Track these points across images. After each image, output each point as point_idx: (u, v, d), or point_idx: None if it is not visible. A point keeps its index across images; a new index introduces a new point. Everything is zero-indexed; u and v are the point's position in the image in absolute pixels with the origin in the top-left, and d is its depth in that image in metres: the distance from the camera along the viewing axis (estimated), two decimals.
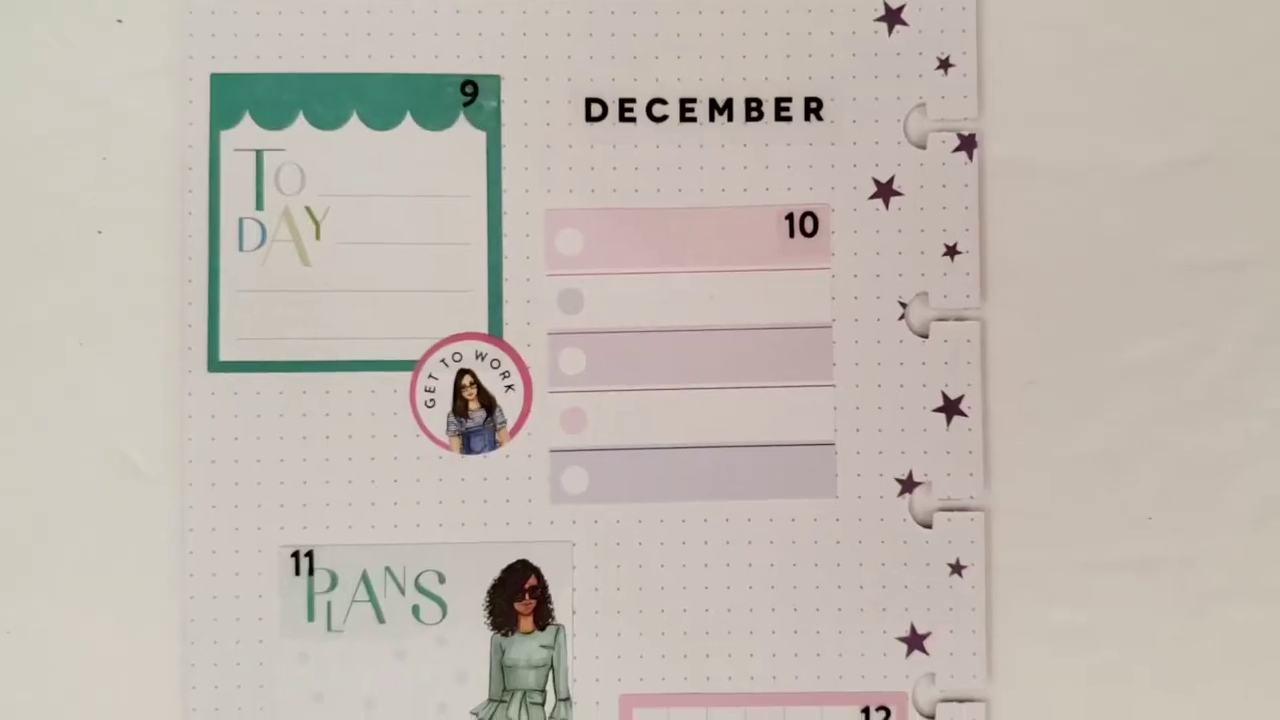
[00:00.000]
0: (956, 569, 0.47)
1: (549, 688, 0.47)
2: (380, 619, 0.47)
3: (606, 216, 0.48)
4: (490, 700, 0.47)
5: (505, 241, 0.48)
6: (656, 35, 0.48)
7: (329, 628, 0.47)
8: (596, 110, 0.48)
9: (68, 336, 0.48)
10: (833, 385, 0.48)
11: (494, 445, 0.48)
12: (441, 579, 0.47)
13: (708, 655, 0.47)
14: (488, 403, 0.48)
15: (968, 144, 0.47)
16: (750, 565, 0.48)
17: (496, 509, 0.48)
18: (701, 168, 0.48)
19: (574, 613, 0.48)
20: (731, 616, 0.47)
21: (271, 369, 0.47)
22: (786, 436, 0.48)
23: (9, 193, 0.48)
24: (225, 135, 0.47)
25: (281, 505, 0.47)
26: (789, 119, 0.48)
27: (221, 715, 0.47)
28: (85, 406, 0.47)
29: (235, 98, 0.47)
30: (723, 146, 0.48)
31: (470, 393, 0.48)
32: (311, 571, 0.47)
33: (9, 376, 0.47)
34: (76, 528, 0.47)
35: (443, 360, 0.48)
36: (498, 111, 0.48)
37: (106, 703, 0.47)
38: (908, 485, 0.48)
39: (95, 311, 0.48)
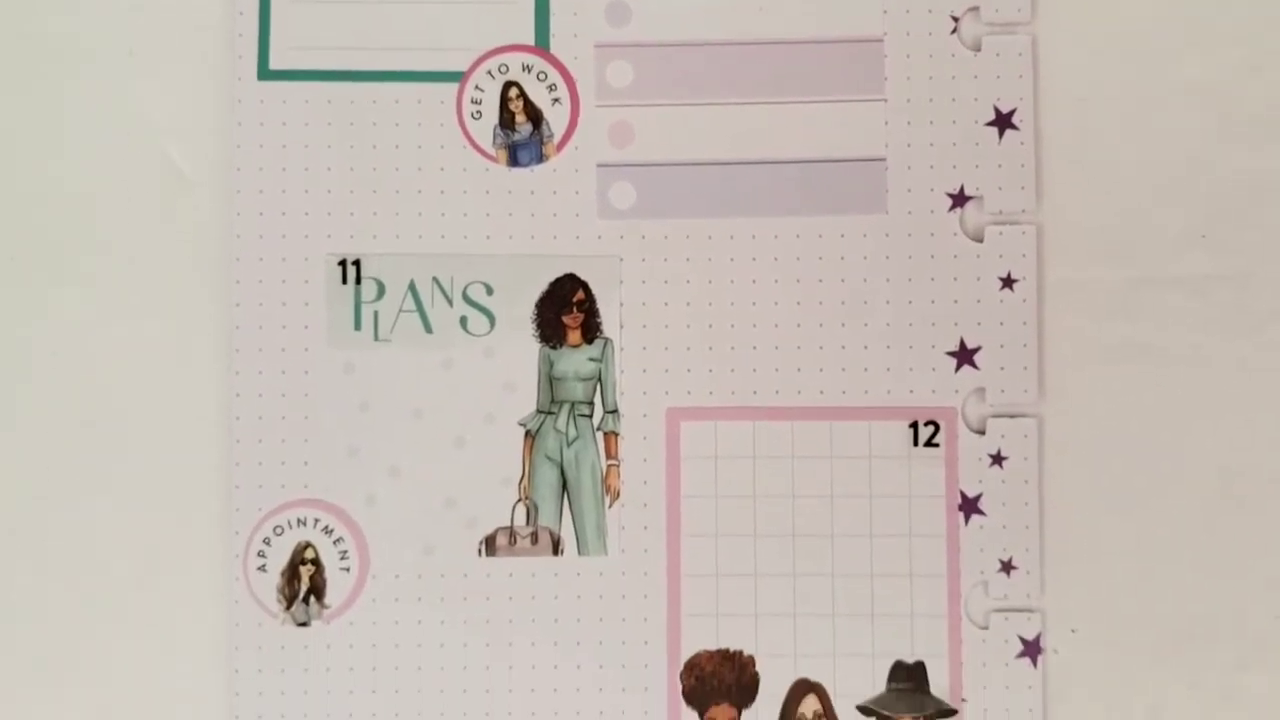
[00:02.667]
0: (1008, 283, 0.47)
1: (596, 400, 0.47)
2: (428, 329, 0.47)
3: None
4: (538, 412, 0.47)
5: None
6: None
7: (376, 337, 0.47)
8: None
9: (119, 45, 0.47)
10: (884, 100, 0.47)
11: (541, 158, 0.47)
12: (489, 290, 0.47)
13: (755, 370, 0.47)
14: (534, 115, 0.47)
15: None
16: (799, 281, 0.47)
17: (544, 223, 0.47)
18: None
19: (621, 327, 0.47)
20: (779, 332, 0.47)
21: (320, 78, 0.47)
22: (837, 152, 0.47)
23: None
24: None
25: (329, 214, 0.47)
26: None
27: (266, 424, 0.47)
28: (135, 115, 0.47)
29: None
30: None
31: (517, 105, 0.47)
32: (359, 280, 0.47)
33: (60, 85, 0.47)
34: (125, 235, 0.47)
35: (489, 72, 0.47)
36: None
37: (152, 403, 0.47)
38: (959, 199, 0.47)
39: (146, 20, 0.48)
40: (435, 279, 0.47)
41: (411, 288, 0.47)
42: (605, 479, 0.47)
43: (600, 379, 0.47)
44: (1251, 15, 0.47)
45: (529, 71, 0.47)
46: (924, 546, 0.47)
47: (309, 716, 0.46)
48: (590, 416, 0.47)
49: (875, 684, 0.47)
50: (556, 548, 0.47)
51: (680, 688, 0.47)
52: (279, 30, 0.47)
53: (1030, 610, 0.47)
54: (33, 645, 0.47)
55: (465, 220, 0.47)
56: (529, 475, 0.47)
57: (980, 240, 0.47)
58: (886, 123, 0.47)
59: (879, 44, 0.47)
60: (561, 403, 0.47)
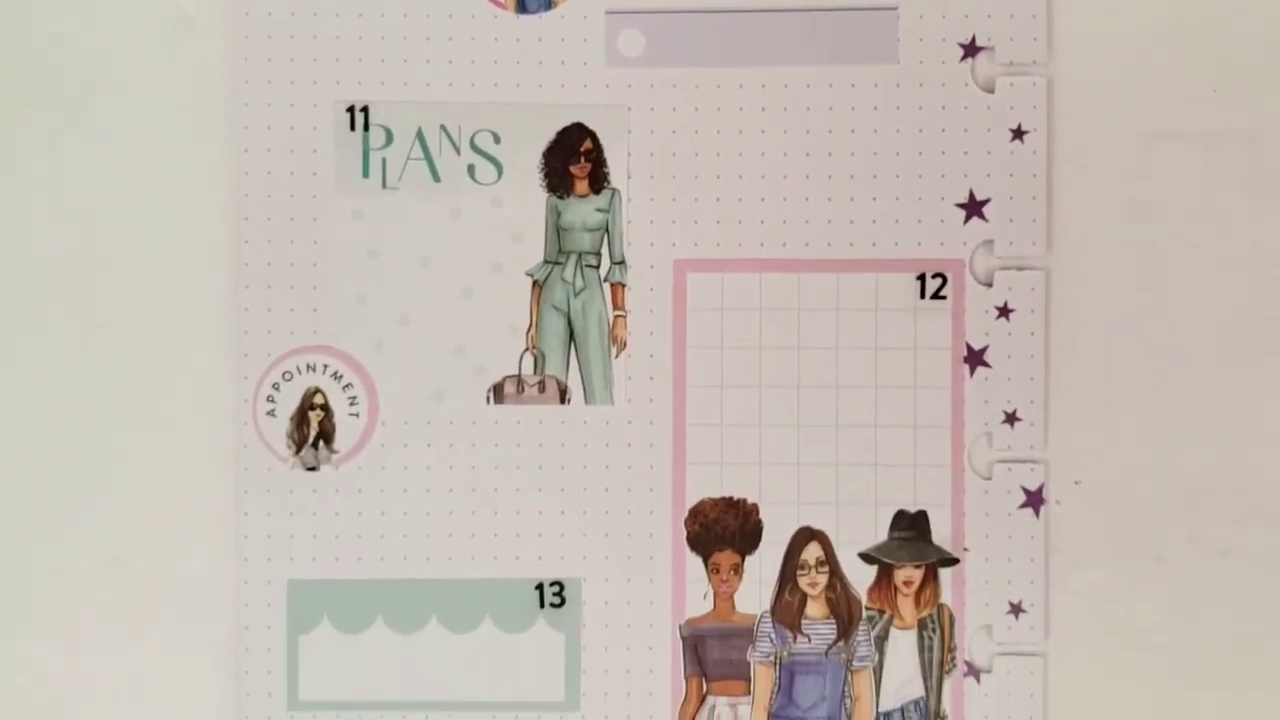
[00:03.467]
0: (1018, 134, 0.47)
1: (604, 251, 0.47)
2: (435, 177, 0.47)
3: None
4: (545, 262, 0.47)
5: None
6: None
7: (384, 185, 0.47)
8: None
9: None
10: None
11: (549, 5, 0.47)
12: (496, 139, 0.47)
13: (762, 222, 0.47)
14: None
15: None
16: (808, 132, 0.47)
17: (552, 70, 0.47)
18: None
19: (629, 177, 0.47)
20: (787, 183, 0.47)
21: None
22: (848, 0, 0.47)
23: None
24: None
25: (337, 60, 0.47)
26: None
27: (274, 270, 0.47)
28: None
29: None
30: None
31: None
32: (367, 127, 0.47)
33: None
34: (132, 80, 0.47)
35: None
36: None
37: (161, 249, 0.47)
38: (970, 50, 0.47)
39: None
40: (443, 126, 0.47)
41: (419, 135, 0.47)
42: (612, 329, 0.47)
43: (607, 230, 0.47)
44: None
45: None
46: (929, 398, 0.47)
47: (318, 560, 0.47)
48: (597, 267, 0.47)
49: (878, 533, 0.47)
50: (563, 397, 0.47)
51: (685, 534, 0.47)
52: None
53: (1034, 462, 0.47)
54: (41, 488, 0.47)
55: (473, 68, 0.47)
56: (536, 325, 0.47)
57: (991, 91, 0.47)
58: None
59: None
60: (568, 253, 0.47)
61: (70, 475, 0.47)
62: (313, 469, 0.47)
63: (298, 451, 0.47)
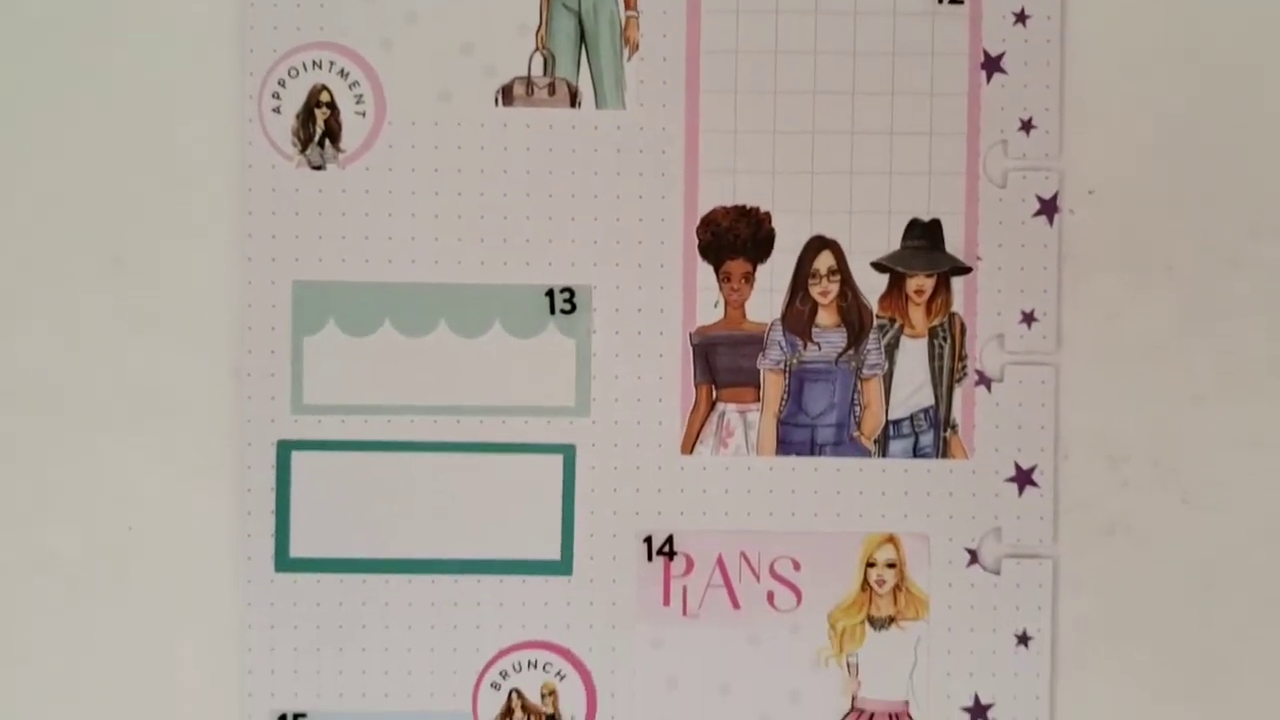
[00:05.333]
0: None
1: None
2: None
3: None
4: None
5: None
6: None
7: None
8: None
9: None
10: None
11: None
12: None
13: None
14: None
15: None
16: None
17: None
18: None
19: None
20: None
21: None
22: None
23: None
24: None
25: None
26: None
27: None
28: None
29: None
30: None
31: None
32: None
33: None
34: None
35: None
36: None
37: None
38: None
39: None
40: None
41: None
42: (624, 30, 0.46)
43: None
44: None
45: None
46: (944, 104, 0.46)
47: (324, 261, 0.46)
48: None
49: (890, 241, 0.47)
50: (574, 100, 0.46)
51: (696, 242, 0.46)
52: None
53: (1048, 170, 0.47)
54: (41, 188, 0.46)
55: None
56: (546, 24, 0.46)
57: None
58: None
59: None
60: None
61: (72, 174, 0.46)
62: (319, 168, 0.46)
63: (303, 150, 0.46)
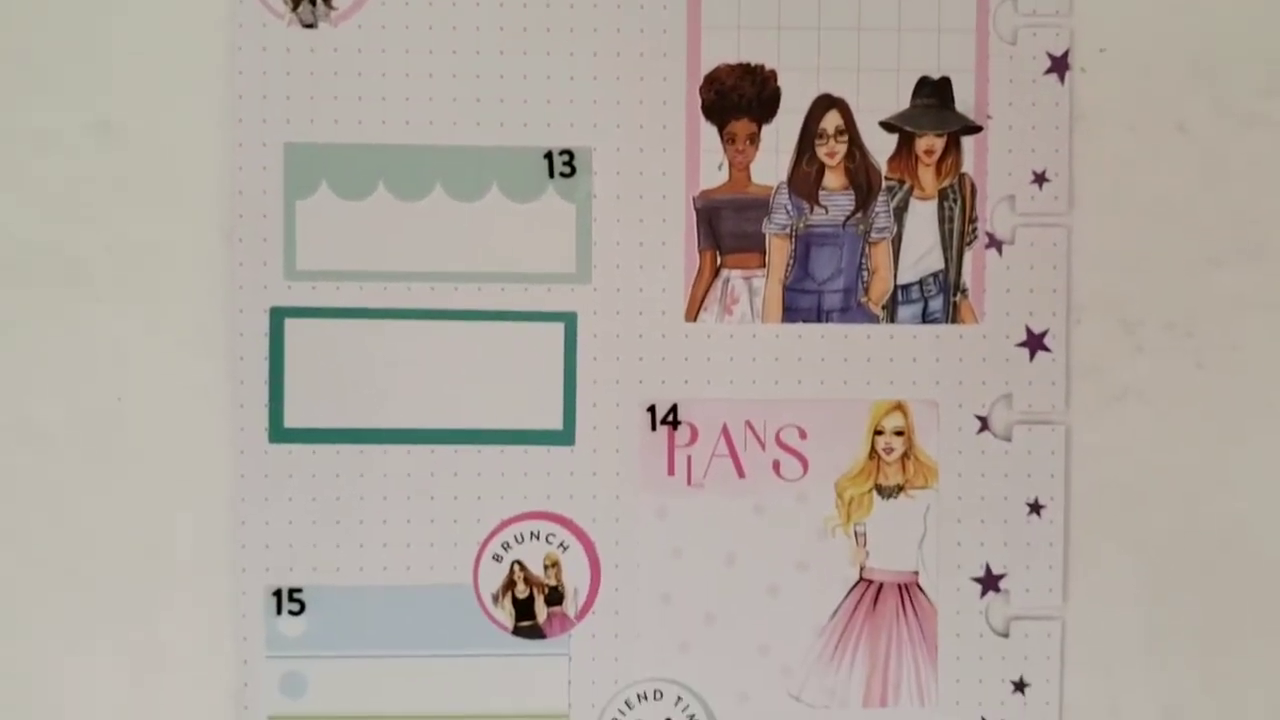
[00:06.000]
0: None
1: None
2: None
3: None
4: None
5: None
6: None
7: None
8: None
9: None
10: None
11: None
12: None
13: None
14: None
15: None
16: None
17: None
18: None
19: None
20: None
21: None
22: None
23: None
24: None
25: None
26: None
27: None
28: None
29: None
30: None
31: None
32: None
33: None
34: None
35: None
36: None
37: None
38: None
39: None
40: None
41: None
42: None
43: None
44: None
45: None
46: None
47: (316, 123, 0.45)
48: None
49: (899, 100, 0.46)
50: None
51: (699, 102, 0.45)
52: None
53: (1059, 26, 0.45)
54: (20, 50, 0.45)
55: None
56: None
57: None
58: None
59: None
60: None
61: (57, 35, 0.45)
62: (310, 26, 0.45)
63: (295, 8, 0.45)
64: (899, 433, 0.46)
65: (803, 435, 0.46)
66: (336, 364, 0.45)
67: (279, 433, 0.45)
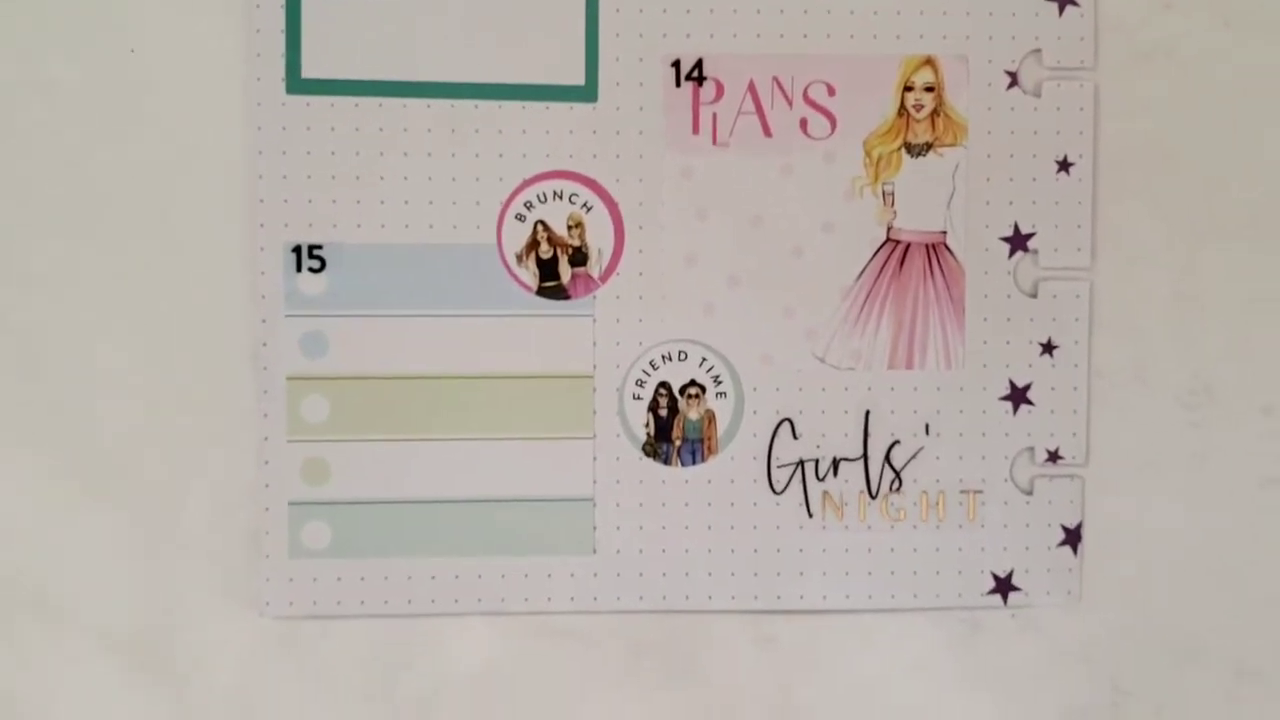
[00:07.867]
0: None
1: None
2: None
3: None
4: None
5: None
6: None
7: None
8: None
9: None
10: None
11: None
12: None
13: None
14: None
15: None
16: None
17: None
18: None
19: None
20: None
21: None
22: None
23: None
24: None
25: None
26: None
27: None
28: None
29: None
30: None
31: None
32: None
33: None
34: None
35: None
36: None
37: None
38: None
39: None
40: None
41: None
42: None
43: None
44: None
45: None
46: None
47: None
48: None
49: None
50: None
51: None
52: None
53: None
54: None
55: None
56: None
57: None
58: None
59: None
60: None
61: None
62: None
63: None
64: (929, 89, 0.45)
65: (831, 92, 0.45)
66: (355, 11, 0.44)
67: (296, 83, 0.44)
